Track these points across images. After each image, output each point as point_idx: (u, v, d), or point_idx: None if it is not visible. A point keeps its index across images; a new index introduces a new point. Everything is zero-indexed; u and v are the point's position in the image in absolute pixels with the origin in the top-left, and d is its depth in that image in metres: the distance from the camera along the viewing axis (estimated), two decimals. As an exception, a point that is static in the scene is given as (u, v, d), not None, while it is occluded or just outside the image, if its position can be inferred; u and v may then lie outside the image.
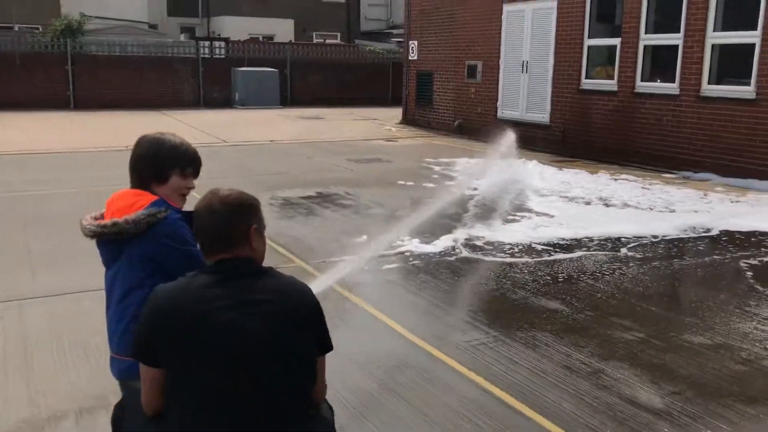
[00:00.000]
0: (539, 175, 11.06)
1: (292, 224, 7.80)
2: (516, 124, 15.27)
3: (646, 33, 12.47)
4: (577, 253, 6.73)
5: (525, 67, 15.31)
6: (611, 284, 5.84)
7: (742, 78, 10.89)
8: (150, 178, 2.57)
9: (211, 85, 24.36)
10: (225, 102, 24.23)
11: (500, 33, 15.92)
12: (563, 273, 6.12)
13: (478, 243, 7.03)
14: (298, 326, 2.12)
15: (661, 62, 12.28)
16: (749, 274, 6.22)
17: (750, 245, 7.15)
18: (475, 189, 9.82)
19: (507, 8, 15.70)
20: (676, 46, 11.85)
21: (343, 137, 16.44)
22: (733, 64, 11.22)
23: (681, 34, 11.73)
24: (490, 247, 6.90)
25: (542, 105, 14.89)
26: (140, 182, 2.59)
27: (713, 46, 11.32)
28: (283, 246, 6.83)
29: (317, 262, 6.33)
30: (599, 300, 5.46)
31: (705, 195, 9.81)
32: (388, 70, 27.06)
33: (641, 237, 7.35)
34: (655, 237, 7.38)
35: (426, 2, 18.56)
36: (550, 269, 6.21)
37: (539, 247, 6.92)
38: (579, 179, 11.10)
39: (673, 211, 8.68)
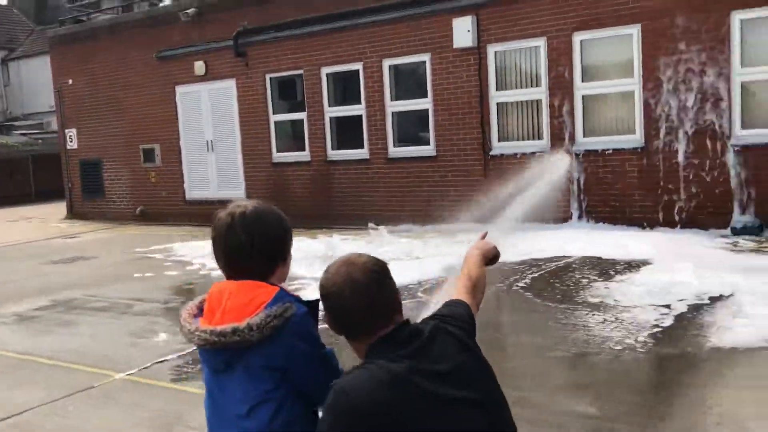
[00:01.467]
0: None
1: (58, 338, 6.76)
2: (210, 203, 15.24)
3: (330, 106, 13.64)
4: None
5: (210, 146, 15.40)
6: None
7: (423, 138, 12.61)
8: (274, 262, 2.13)
9: None
10: None
11: (176, 114, 15.79)
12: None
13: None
14: (488, 374, 2.10)
15: (349, 130, 13.52)
16: (528, 294, 7.30)
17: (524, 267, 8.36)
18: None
19: (180, 90, 15.67)
20: (360, 116, 13.21)
21: (14, 239, 14.46)
22: (413, 127, 12.92)
23: (363, 105, 13.13)
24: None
25: (236, 181, 15.10)
26: (255, 269, 2.10)
27: (393, 113, 12.91)
28: (82, 364, 5.92)
29: (138, 370, 5.66)
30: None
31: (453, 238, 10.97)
32: (27, 164, 24.49)
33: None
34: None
35: (78, 89, 17.45)
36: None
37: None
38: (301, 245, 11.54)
39: (419, 257, 9.65)
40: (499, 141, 11.87)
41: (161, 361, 5.94)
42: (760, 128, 9.77)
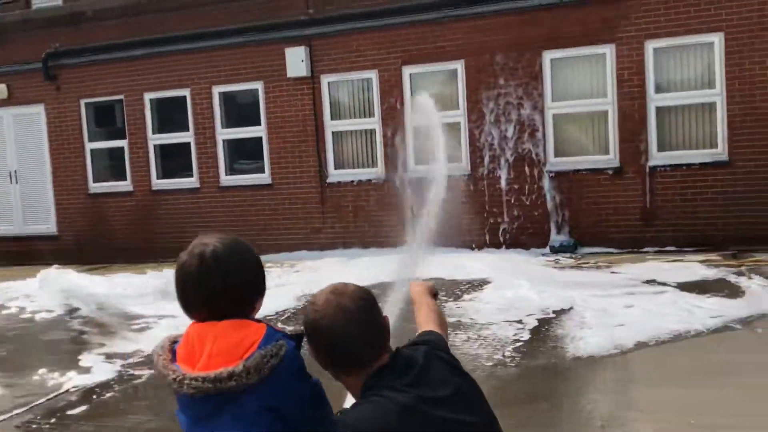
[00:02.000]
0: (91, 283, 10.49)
1: None
2: (15, 240, 13.89)
3: (154, 133, 13.06)
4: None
5: (14, 177, 14.04)
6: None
7: (258, 166, 12.49)
8: (255, 298, 1.99)
9: None
10: None
11: (-29, 142, 14.22)
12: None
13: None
14: (481, 395, 2.19)
15: (177, 158, 13.02)
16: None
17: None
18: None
19: (-24, 115, 14.15)
20: (188, 143, 12.79)
21: None
22: (247, 155, 12.73)
23: (191, 133, 12.74)
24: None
25: (46, 215, 13.88)
26: (237, 309, 1.95)
27: (224, 141, 12.66)
28: None
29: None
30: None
31: (292, 267, 10.86)
32: None
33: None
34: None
35: None
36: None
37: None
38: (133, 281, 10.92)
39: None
40: (335, 168, 12.09)
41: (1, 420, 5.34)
42: (570, 156, 10.90)
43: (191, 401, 1.94)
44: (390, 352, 2.05)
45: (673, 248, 10.30)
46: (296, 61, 11.83)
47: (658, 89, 10.38)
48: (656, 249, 10.37)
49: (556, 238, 10.95)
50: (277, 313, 8.03)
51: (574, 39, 10.62)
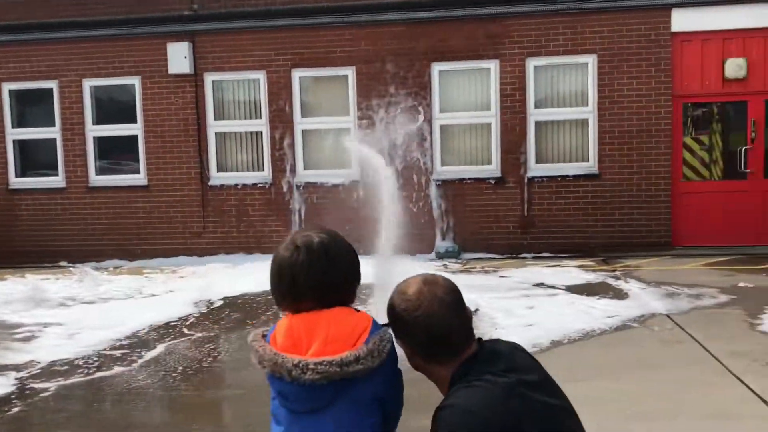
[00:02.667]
0: None
1: None
2: None
3: (13, 127, 11.96)
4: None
5: None
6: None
7: (133, 167, 11.78)
8: (354, 286, 2.06)
9: None
10: None
11: None
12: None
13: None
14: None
15: (39, 155, 11.99)
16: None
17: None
18: None
19: None
20: (53, 140, 11.83)
21: None
22: (121, 154, 11.96)
23: (58, 128, 11.79)
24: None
25: None
26: (343, 297, 2.02)
27: (95, 138, 11.83)
28: None
29: None
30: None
31: (175, 273, 10.31)
32: None
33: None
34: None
35: None
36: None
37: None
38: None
39: (155, 294, 9.00)
40: (218, 171, 11.69)
41: None
42: (455, 166, 11.30)
43: (305, 391, 1.91)
44: (476, 342, 2.07)
45: (548, 254, 10.99)
46: (179, 57, 11.35)
47: (538, 105, 11.05)
48: (533, 255, 11.01)
49: (441, 245, 11.29)
50: (180, 318, 7.63)
51: (461, 53, 11.05)
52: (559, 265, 10.16)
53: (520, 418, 1.92)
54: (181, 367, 6.00)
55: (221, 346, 6.63)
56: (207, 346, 6.63)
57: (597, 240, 10.92)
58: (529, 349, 6.02)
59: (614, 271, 9.58)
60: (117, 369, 5.97)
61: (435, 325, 1.96)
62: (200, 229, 11.74)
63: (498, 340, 2.21)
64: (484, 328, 6.84)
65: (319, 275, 1.99)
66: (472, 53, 11.04)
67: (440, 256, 11.12)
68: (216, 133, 11.68)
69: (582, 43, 10.77)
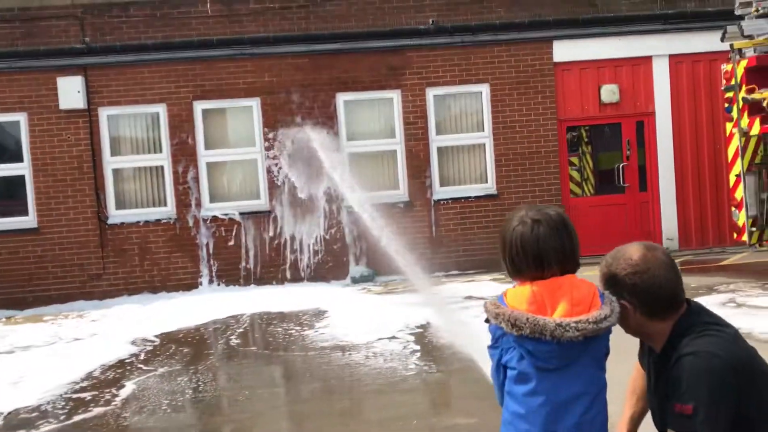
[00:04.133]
0: None
1: None
2: None
3: None
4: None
5: None
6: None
7: (21, 208, 10.90)
8: (579, 254, 2.26)
9: None
10: None
11: None
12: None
13: None
14: None
15: None
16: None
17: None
18: None
19: None
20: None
21: None
22: (7, 196, 11.02)
23: (-72, 170, 10.68)
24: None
25: None
26: (575, 263, 2.22)
27: (-26, 180, 10.84)
28: None
29: None
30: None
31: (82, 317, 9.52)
32: None
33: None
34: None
35: None
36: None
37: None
38: None
39: (79, 338, 8.36)
40: (117, 209, 11.13)
41: None
42: (366, 192, 11.56)
43: (560, 349, 2.13)
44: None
45: (456, 272, 11.53)
46: (71, 91, 10.77)
47: (439, 131, 11.67)
48: (443, 273, 11.49)
49: (356, 269, 11.47)
50: (130, 355, 7.21)
51: (365, 83, 11.45)
52: (474, 280, 10.71)
53: (755, 357, 2.25)
54: (166, 401, 5.72)
55: (196, 378, 6.37)
56: (180, 378, 6.35)
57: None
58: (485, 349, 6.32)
59: (527, 281, 10.26)
60: (97, 410, 5.57)
61: (664, 285, 2.23)
62: (99, 270, 11.07)
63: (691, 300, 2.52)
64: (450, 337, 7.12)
65: (563, 244, 2.20)
66: (375, 84, 11.48)
67: (355, 281, 11.28)
68: (113, 170, 11.14)
69: (476, 74, 11.57)
